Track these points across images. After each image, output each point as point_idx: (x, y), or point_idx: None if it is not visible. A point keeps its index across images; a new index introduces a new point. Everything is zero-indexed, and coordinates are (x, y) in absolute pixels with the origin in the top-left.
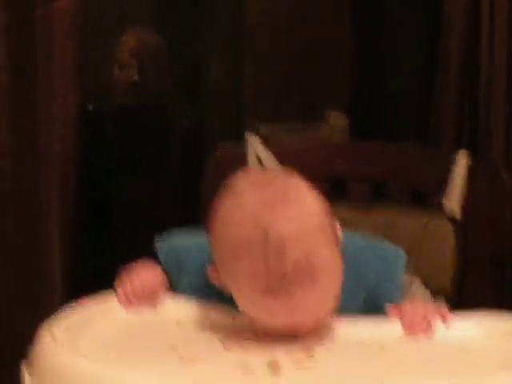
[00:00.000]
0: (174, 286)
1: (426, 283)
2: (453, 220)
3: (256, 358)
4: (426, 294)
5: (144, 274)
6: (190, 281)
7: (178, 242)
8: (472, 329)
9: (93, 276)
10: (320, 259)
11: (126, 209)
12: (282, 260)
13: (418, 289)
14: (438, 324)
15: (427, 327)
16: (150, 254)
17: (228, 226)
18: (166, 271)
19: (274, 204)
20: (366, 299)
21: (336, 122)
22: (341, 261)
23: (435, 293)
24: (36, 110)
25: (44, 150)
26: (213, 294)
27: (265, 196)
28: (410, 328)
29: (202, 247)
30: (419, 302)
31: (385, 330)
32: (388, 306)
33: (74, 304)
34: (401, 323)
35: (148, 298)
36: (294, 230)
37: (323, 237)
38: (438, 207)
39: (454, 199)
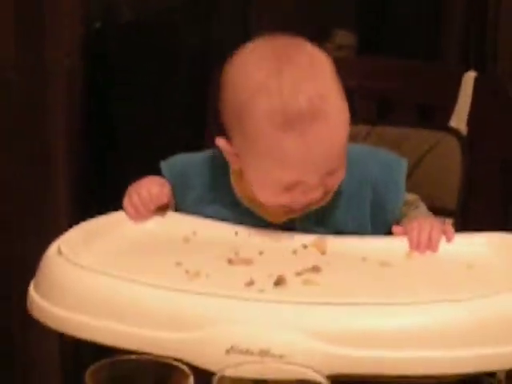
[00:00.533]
0: (179, 201)
1: (432, 202)
2: (459, 138)
3: (261, 272)
4: (429, 213)
5: (151, 185)
6: (196, 194)
7: (181, 158)
8: (478, 245)
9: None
10: (332, 102)
11: (132, 130)
12: (296, 95)
13: (420, 207)
14: (443, 241)
15: (433, 245)
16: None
17: (244, 69)
18: (171, 187)
19: (288, 51)
20: (373, 203)
21: (343, 40)
22: (348, 114)
23: (441, 212)
24: (43, 25)
25: (51, 64)
26: (219, 206)
27: (278, 45)
28: (417, 247)
29: (206, 161)
30: (425, 219)
31: (390, 247)
32: (394, 227)
33: (81, 222)
34: (407, 242)
35: (156, 208)
36: (307, 71)
37: (334, 85)
38: (445, 126)
39: (461, 118)
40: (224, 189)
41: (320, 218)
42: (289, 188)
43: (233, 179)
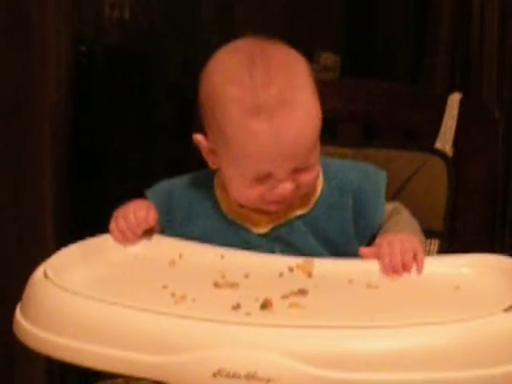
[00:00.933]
0: (166, 226)
1: (418, 223)
2: (445, 159)
3: (247, 295)
4: (411, 219)
5: (138, 209)
6: (182, 215)
7: (165, 184)
8: (465, 267)
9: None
10: (302, 96)
11: (118, 153)
12: (266, 84)
13: (402, 212)
14: (430, 261)
15: (407, 270)
16: (141, 195)
17: (220, 61)
18: (157, 212)
19: (264, 46)
20: (354, 210)
21: (328, 62)
22: (320, 114)
23: (428, 233)
24: (29, 39)
25: (38, 79)
26: (206, 221)
27: (255, 42)
28: (392, 272)
29: (190, 181)
30: (395, 238)
31: (377, 269)
32: (362, 249)
33: (67, 246)
34: (380, 265)
35: (143, 232)
36: (281, 65)
37: (307, 82)
38: (430, 147)
39: (446, 140)
40: (210, 203)
41: (304, 228)
42: (258, 179)
43: (217, 193)
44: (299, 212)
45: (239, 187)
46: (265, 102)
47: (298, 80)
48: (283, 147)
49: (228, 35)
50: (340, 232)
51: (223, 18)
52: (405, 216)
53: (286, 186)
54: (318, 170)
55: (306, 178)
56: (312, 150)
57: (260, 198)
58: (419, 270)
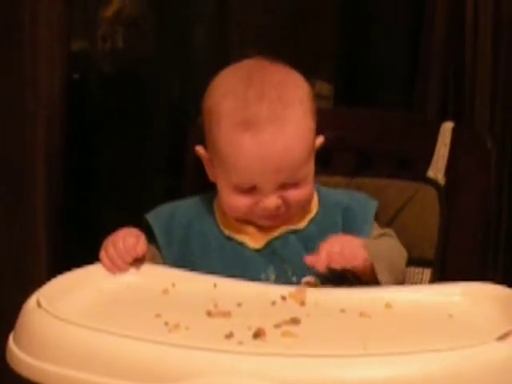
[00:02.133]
0: (165, 246)
1: (411, 252)
2: (437, 188)
3: (240, 324)
4: (395, 243)
5: (127, 237)
6: (182, 233)
7: (166, 206)
8: (457, 295)
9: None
10: (295, 114)
11: (111, 180)
12: (259, 98)
13: (386, 236)
14: (421, 291)
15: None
16: (134, 223)
17: (221, 77)
18: (155, 233)
19: (265, 65)
20: (343, 227)
21: (321, 90)
22: (313, 135)
23: (420, 262)
24: (22, 73)
25: (30, 113)
26: (204, 238)
27: (258, 61)
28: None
29: (191, 201)
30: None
31: (369, 297)
32: (306, 258)
33: (60, 275)
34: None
35: (132, 260)
36: (279, 77)
37: (304, 101)
38: (423, 176)
39: (438, 168)
40: (208, 221)
41: (298, 243)
42: (245, 191)
43: (216, 210)
44: (293, 227)
45: (228, 197)
46: (254, 117)
47: (292, 97)
48: (268, 162)
49: (222, 62)
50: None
51: (217, 45)
52: (387, 239)
53: (271, 201)
54: (311, 189)
55: (294, 194)
56: (300, 166)
57: (248, 210)
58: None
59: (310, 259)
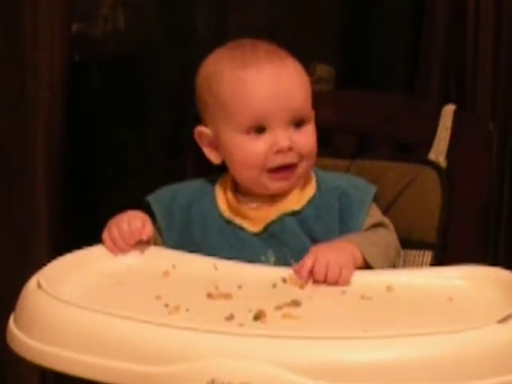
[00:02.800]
0: (166, 229)
1: (412, 235)
2: (438, 171)
3: (240, 306)
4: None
5: (133, 220)
6: (183, 217)
7: (167, 188)
8: (458, 279)
9: (78, 227)
10: (290, 59)
11: (112, 163)
12: (255, 47)
13: (379, 231)
14: (423, 274)
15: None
16: (134, 207)
17: (213, 52)
18: (156, 216)
19: (256, 41)
20: (339, 211)
21: (322, 74)
22: (310, 87)
23: (421, 245)
24: (23, 57)
25: (31, 97)
26: (204, 219)
27: (249, 39)
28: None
29: (192, 184)
30: (325, 251)
31: (370, 280)
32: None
33: (60, 256)
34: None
35: (136, 242)
36: (270, 46)
37: (298, 64)
38: (424, 159)
39: (440, 151)
40: (208, 205)
41: (295, 225)
42: (258, 134)
43: (217, 193)
44: (291, 208)
45: (243, 146)
46: (254, 60)
47: (286, 54)
48: (277, 89)
49: (222, 44)
50: (326, 232)
51: (218, 28)
52: (382, 234)
53: (284, 140)
54: (314, 140)
55: (302, 138)
56: (304, 100)
57: (263, 158)
58: (340, 284)
59: (295, 268)
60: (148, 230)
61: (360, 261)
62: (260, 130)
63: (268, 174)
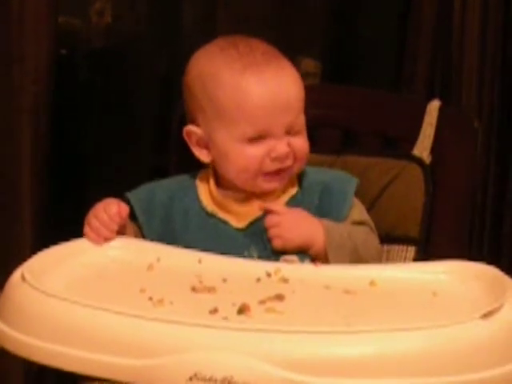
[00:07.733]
0: (146, 226)
1: (395, 230)
2: (422, 166)
3: (224, 300)
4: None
5: (108, 206)
6: (163, 213)
7: (146, 185)
8: (441, 273)
9: (62, 221)
10: (285, 61)
11: (98, 157)
12: (252, 51)
13: (356, 229)
14: (407, 268)
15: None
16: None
17: (203, 49)
18: (136, 212)
19: (248, 38)
20: (318, 208)
21: (308, 68)
22: (303, 89)
23: (404, 240)
24: (10, 48)
25: (17, 89)
26: (185, 215)
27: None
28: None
29: (171, 180)
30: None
31: (354, 275)
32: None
33: (45, 249)
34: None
35: (118, 228)
36: (262, 44)
37: (291, 64)
38: (408, 154)
39: (424, 147)
40: (190, 199)
41: None
42: (255, 142)
43: (199, 187)
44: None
45: (239, 153)
46: (251, 62)
47: (279, 54)
48: (276, 97)
49: (211, 38)
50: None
51: (206, 23)
52: (362, 230)
53: (283, 146)
54: (308, 144)
55: (298, 142)
56: (300, 109)
57: (259, 164)
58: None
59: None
60: (124, 208)
61: (319, 246)
62: (257, 138)
63: (263, 177)
